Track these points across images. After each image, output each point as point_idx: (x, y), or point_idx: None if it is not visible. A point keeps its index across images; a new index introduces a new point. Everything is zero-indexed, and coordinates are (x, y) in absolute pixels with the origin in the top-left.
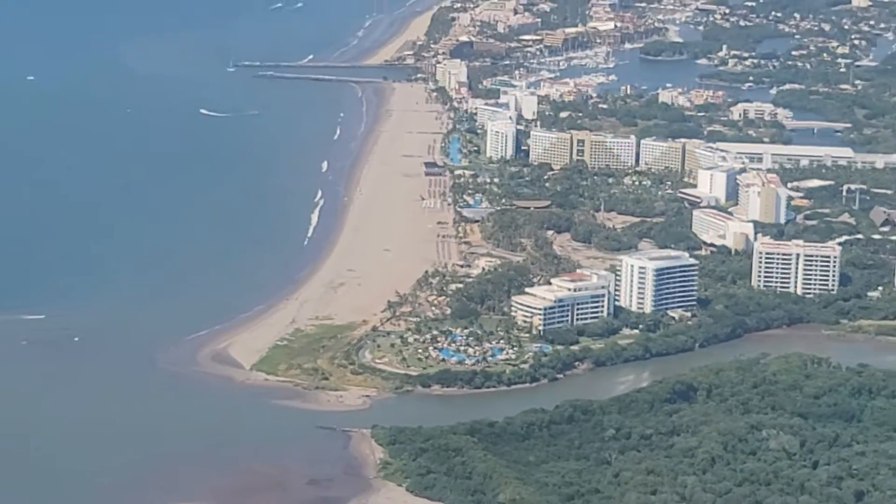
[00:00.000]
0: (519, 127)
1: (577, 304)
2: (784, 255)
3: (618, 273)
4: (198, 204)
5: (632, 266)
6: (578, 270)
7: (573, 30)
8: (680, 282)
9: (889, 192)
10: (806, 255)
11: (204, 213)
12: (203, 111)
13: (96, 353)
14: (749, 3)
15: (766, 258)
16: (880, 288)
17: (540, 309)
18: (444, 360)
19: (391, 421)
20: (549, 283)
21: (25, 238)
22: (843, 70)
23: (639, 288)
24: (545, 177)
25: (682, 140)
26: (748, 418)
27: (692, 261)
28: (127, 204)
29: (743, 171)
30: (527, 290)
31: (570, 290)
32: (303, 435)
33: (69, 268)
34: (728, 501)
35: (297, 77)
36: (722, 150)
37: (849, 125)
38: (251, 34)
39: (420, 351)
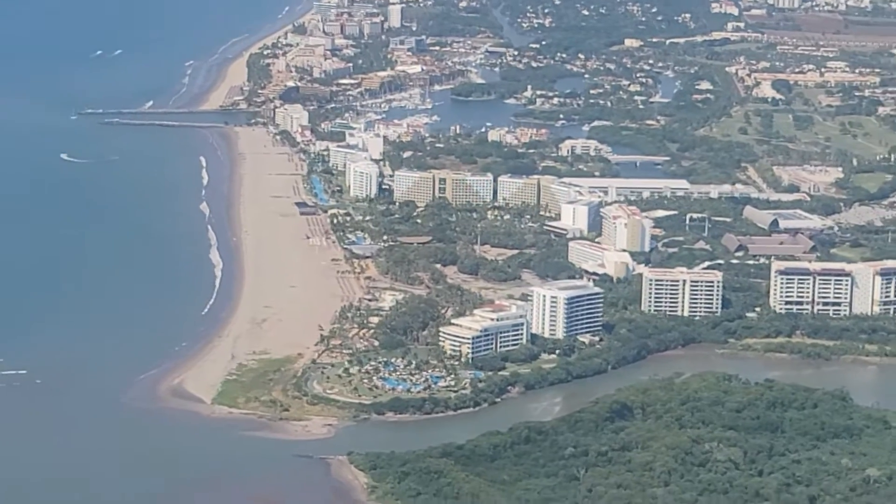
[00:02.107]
0: None
1: (500, 332)
2: (672, 281)
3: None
4: (97, 251)
5: (543, 296)
6: (497, 302)
7: (384, 73)
8: (587, 309)
9: (728, 219)
10: (692, 281)
11: (106, 259)
12: (64, 156)
13: (60, 394)
14: (534, 45)
15: (656, 284)
16: (757, 309)
17: (468, 338)
18: (392, 389)
19: (357, 447)
20: (472, 315)
21: None
22: (641, 107)
23: (551, 316)
24: (414, 214)
25: (537, 176)
26: (688, 433)
27: (598, 290)
28: (25, 253)
29: (601, 204)
30: (453, 321)
31: (492, 319)
32: (283, 464)
33: None
34: None
35: (143, 123)
36: (575, 186)
37: (667, 158)
38: (79, 82)
39: (366, 381)
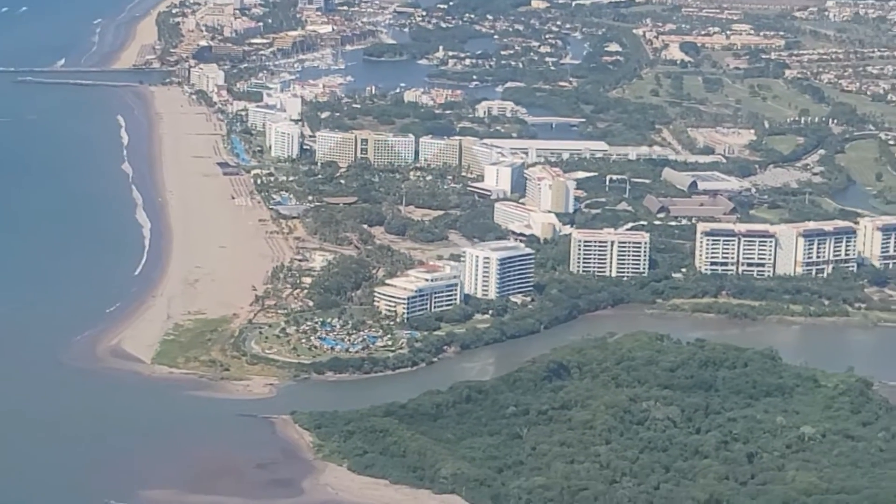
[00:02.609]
0: None
1: (434, 293)
2: (600, 242)
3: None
4: (22, 211)
5: (476, 257)
6: (430, 262)
7: (295, 33)
8: (519, 270)
9: (647, 181)
10: (620, 242)
11: (33, 219)
12: None
13: None
14: (441, 6)
15: (585, 245)
16: (683, 270)
17: (403, 299)
18: (331, 348)
19: (299, 407)
20: (407, 275)
21: None
22: (553, 69)
23: (483, 276)
24: (336, 174)
25: (458, 138)
26: (625, 392)
27: (529, 251)
28: None
29: (524, 165)
30: (387, 281)
31: (427, 280)
32: (228, 423)
33: None
34: (641, 466)
35: (56, 82)
36: (497, 147)
37: (582, 120)
38: None
39: (304, 341)
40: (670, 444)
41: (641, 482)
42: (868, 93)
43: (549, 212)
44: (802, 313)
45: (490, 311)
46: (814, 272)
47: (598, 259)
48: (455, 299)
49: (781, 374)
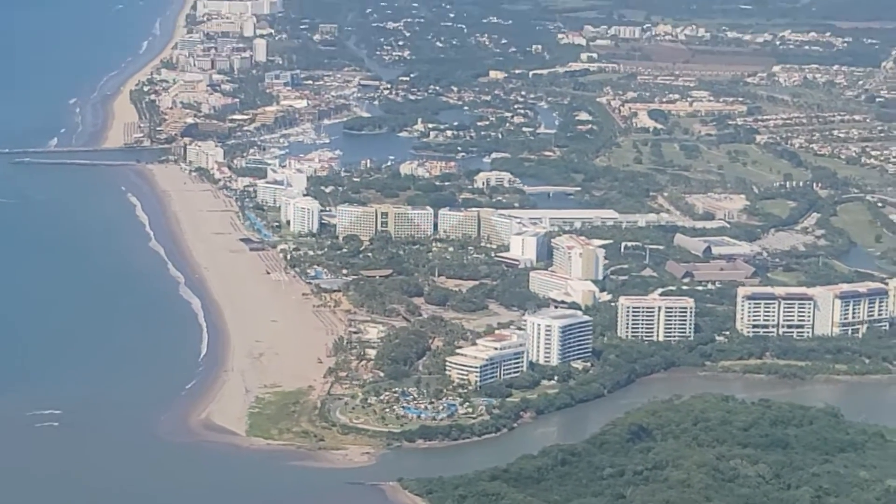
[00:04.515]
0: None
1: (504, 360)
2: (647, 308)
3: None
4: (69, 293)
5: (538, 325)
6: (498, 331)
7: (273, 108)
8: (579, 336)
9: (661, 247)
10: (667, 308)
11: (83, 301)
12: None
13: (99, 432)
14: (403, 78)
15: (633, 311)
16: (726, 332)
17: (476, 367)
18: (417, 417)
19: (400, 473)
20: (476, 344)
21: None
22: (532, 138)
23: (546, 344)
24: (361, 248)
25: (476, 209)
26: (710, 451)
27: (587, 318)
28: None
29: (549, 234)
30: (458, 350)
31: (496, 349)
32: (338, 491)
33: None
34: None
35: (55, 162)
36: (516, 217)
37: (578, 188)
38: None
39: (388, 411)
40: (766, 499)
41: None
42: (842, 156)
43: (586, 279)
44: (847, 371)
45: (555, 377)
46: (850, 332)
47: (646, 324)
48: (522, 366)
49: (847, 430)
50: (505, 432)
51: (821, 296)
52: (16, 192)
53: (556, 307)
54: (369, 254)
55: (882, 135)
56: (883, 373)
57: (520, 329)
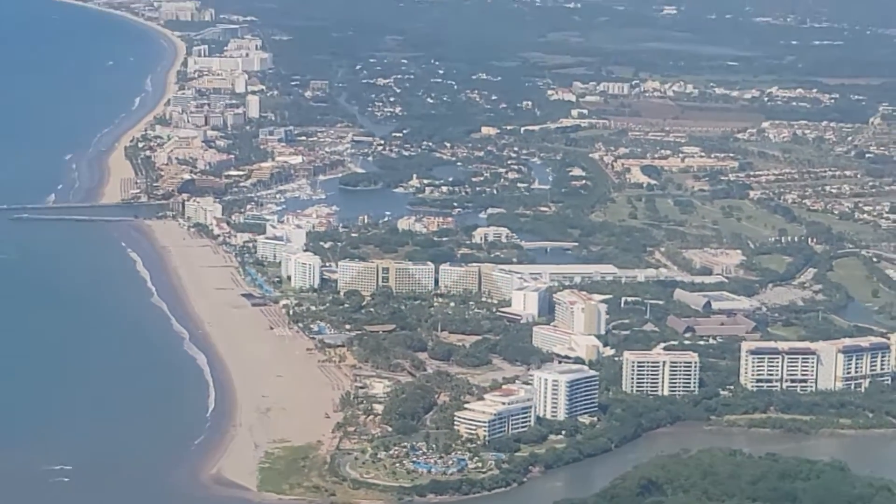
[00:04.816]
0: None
1: (511, 415)
2: (652, 363)
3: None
4: (74, 346)
5: (545, 380)
6: (505, 386)
7: (268, 165)
8: (585, 391)
9: (661, 302)
10: (672, 362)
11: (88, 354)
12: None
13: (112, 487)
14: (396, 134)
15: (638, 366)
16: (730, 387)
17: (484, 422)
18: (427, 471)
19: None
20: (484, 399)
21: None
22: (527, 194)
23: (553, 399)
24: (363, 303)
25: (477, 265)
26: None
27: (594, 373)
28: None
29: (550, 290)
30: (466, 405)
31: (503, 403)
32: None
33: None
34: None
35: (54, 218)
36: (517, 273)
37: (575, 244)
38: None
39: (397, 465)
40: None
41: None
42: (835, 212)
43: (589, 334)
44: (852, 426)
45: (563, 432)
46: (853, 386)
47: (651, 378)
48: (529, 421)
49: (854, 484)
50: (515, 486)
51: (824, 350)
52: (16, 248)
53: (560, 362)
54: (371, 309)
55: (874, 190)
56: (887, 427)
57: (526, 384)
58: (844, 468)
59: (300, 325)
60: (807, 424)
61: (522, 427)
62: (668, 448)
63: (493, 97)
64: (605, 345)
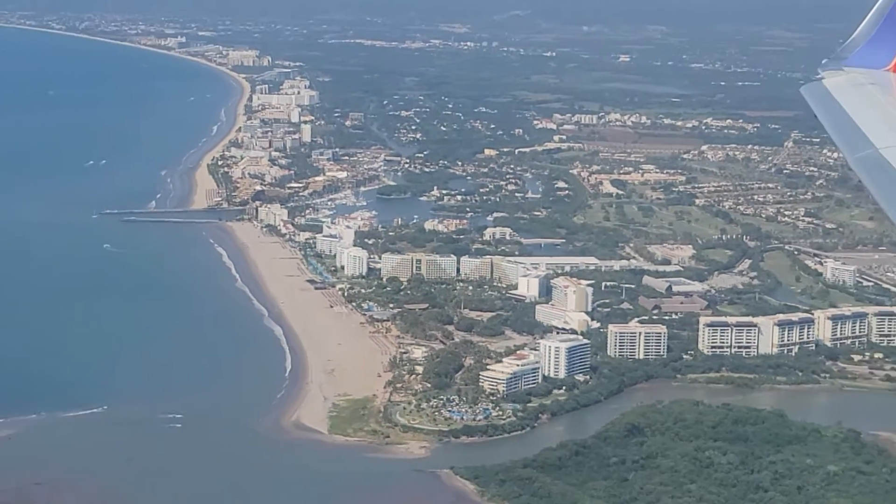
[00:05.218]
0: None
1: (524, 374)
2: (631, 333)
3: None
4: (179, 322)
5: (549, 347)
6: (518, 352)
7: (321, 178)
8: (580, 356)
9: (633, 286)
10: (646, 333)
11: (191, 328)
12: (107, 247)
13: (215, 432)
14: (418, 155)
15: (619, 336)
16: (690, 352)
17: (503, 380)
18: (460, 419)
19: (448, 462)
20: (502, 362)
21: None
22: (523, 201)
23: (555, 361)
24: (401, 287)
25: (489, 257)
26: (689, 444)
27: (587, 341)
28: (120, 324)
29: (548, 276)
30: (488, 367)
31: (518, 365)
32: (407, 476)
33: (107, 371)
34: (724, 498)
35: (155, 220)
36: (521, 263)
37: (563, 240)
38: (81, 187)
39: (436, 414)
40: (738, 481)
41: None
42: (762, 215)
43: (579, 311)
44: (787, 382)
45: (563, 387)
46: (785, 351)
47: (630, 345)
48: (538, 379)
49: (791, 427)
50: (528, 430)
51: (763, 323)
52: (126, 244)
53: (558, 333)
54: (408, 291)
55: (791, 198)
56: (813, 383)
57: (534, 350)
58: (783, 415)
59: (353, 304)
60: (751, 381)
61: (532, 384)
62: (645, 400)
63: (492, 125)
64: (593, 319)
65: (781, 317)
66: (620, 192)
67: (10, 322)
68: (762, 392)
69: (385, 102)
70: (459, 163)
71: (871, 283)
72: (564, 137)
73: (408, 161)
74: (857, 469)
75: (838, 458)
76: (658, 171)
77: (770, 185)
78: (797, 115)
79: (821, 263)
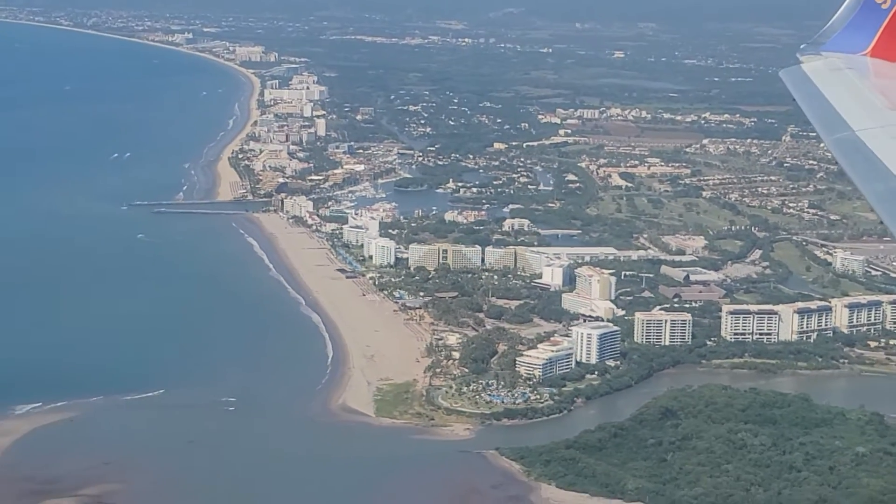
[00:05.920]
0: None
1: (559, 360)
2: (657, 321)
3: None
4: (218, 310)
5: (582, 333)
6: (553, 338)
7: (340, 171)
8: (610, 342)
9: (651, 275)
10: (671, 320)
11: (230, 316)
12: (140, 237)
13: (266, 415)
14: (430, 149)
15: (646, 323)
16: (713, 339)
17: (539, 365)
18: (501, 402)
19: (492, 444)
20: (538, 348)
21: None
22: (536, 193)
23: (587, 347)
24: (429, 277)
25: (513, 247)
26: (722, 427)
27: (617, 328)
28: (163, 312)
29: (572, 265)
30: (524, 353)
31: (553, 351)
32: (453, 457)
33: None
34: (760, 478)
35: (184, 211)
36: (544, 253)
37: (579, 231)
38: (108, 179)
39: (478, 397)
40: (771, 462)
41: (766, 489)
42: (768, 207)
43: (604, 299)
44: (808, 367)
45: (596, 372)
46: (804, 338)
47: (656, 333)
48: (571, 364)
49: (816, 410)
50: (566, 413)
51: (783, 311)
52: (159, 234)
53: (584, 321)
54: (436, 280)
55: (794, 191)
56: (832, 368)
57: (566, 336)
58: (808, 399)
59: (385, 292)
60: (774, 367)
61: (566, 369)
62: (674, 384)
63: (498, 120)
64: (617, 307)
65: (801, 305)
66: (629, 185)
67: (61, 309)
68: (785, 377)
69: (392, 97)
70: (471, 156)
71: (879, 273)
72: (570, 131)
73: (421, 154)
74: (883, 450)
75: (865, 440)
76: (663, 164)
77: (772, 178)
78: (791, 110)
79: (829, 253)
